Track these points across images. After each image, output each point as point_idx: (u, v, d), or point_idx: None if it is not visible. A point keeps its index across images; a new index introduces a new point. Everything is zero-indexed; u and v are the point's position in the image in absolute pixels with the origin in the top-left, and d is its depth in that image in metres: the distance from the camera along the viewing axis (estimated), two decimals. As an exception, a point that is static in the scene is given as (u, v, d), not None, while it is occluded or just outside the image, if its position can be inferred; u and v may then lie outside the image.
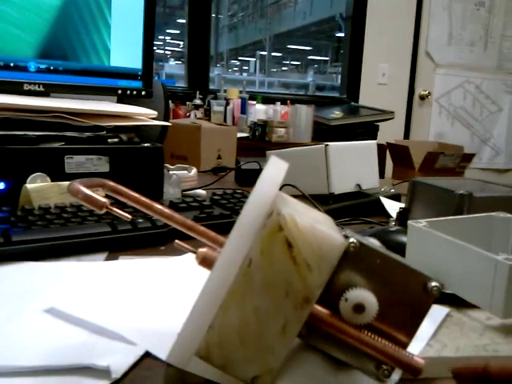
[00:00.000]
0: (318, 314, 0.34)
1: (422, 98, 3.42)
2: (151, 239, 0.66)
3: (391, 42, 3.27)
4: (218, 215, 0.74)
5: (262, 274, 0.33)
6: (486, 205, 0.64)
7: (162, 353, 0.38)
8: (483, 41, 3.51)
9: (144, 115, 0.90)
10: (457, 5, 3.39)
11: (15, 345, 0.39)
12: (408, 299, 0.35)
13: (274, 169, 0.35)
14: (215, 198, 0.84)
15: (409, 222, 0.55)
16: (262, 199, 0.32)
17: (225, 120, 2.58)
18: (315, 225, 0.34)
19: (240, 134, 2.31)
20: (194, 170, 1.03)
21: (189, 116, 2.52)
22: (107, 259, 0.61)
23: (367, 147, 0.98)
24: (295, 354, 0.37)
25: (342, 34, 3.53)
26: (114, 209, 0.36)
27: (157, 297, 0.50)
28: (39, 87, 0.91)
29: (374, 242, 0.38)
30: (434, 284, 0.35)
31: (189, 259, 0.60)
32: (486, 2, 3.47)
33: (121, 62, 1.01)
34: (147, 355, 0.39)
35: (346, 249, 0.34)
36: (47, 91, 0.93)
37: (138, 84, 1.02)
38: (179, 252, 0.61)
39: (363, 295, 0.34)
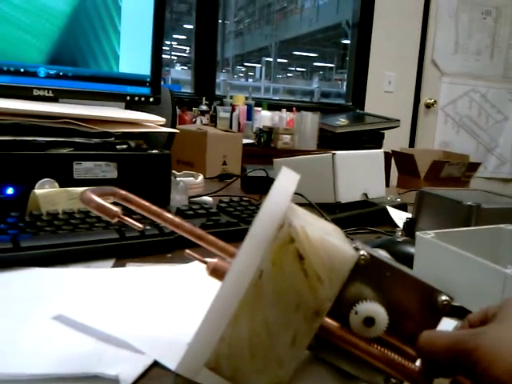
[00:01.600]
0: (328, 326, 0.34)
1: (428, 106, 3.42)
2: (158, 246, 0.66)
3: (397, 50, 3.28)
4: (225, 223, 0.74)
5: (272, 286, 0.33)
6: (493, 216, 0.64)
7: (171, 362, 0.38)
8: (489, 50, 3.51)
9: (152, 122, 0.90)
10: (463, 14, 3.39)
11: (22, 352, 0.39)
12: (418, 313, 0.35)
13: (286, 180, 0.35)
14: (222, 205, 0.84)
15: (417, 233, 0.55)
16: (274, 211, 0.32)
17: (230, 126, 2.59)
18: (326, 237, 0.34)
19: (245, 141, 2.31)
20: (201, 177, 1.03)
21: (195, 122, 2.52)
22: (115, 266, 0.61)
23: (374, 156, 0.98)
24: (305, 366, 0.37)
25: (347, 41, 3.53)
26: (126, 218, 0.36)
27: (164, 305, 0.50)
28: (48, 93, 0.92)
29: (383, 254, 0.38)
30: (444, 298, 0.35)
31: (196, 267, 0.60)
32: (493, 11, 3.47)
33: (129, 68, 1.02)
34: (155, 364, 0.39)
35: (356, 261, 0.34)
36: (56, 97, 0.94)
37: (146, 90, 1.03)
38: (186, 260, 0.61)
39: (373, 308, 0.34)
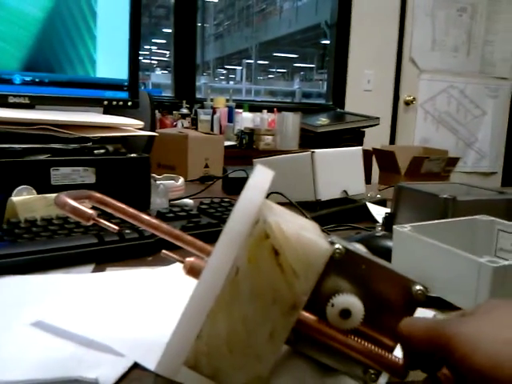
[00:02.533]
0: (305, 320, 0.35)
1: (407, 103, 3.46)
2: (138, 250, 0.66)
3: (376, 49, 3.31)
4: (206, 224, 0.75)
5: (249, 282, 0.33)
6: (469, 208, 0.65)
7: (151, 363, 0.38)
8: (466, 46, 3.57)
9: (130, 126, 0.90)
10: (439, 11, 3.44)
11: (2, 359, 0.39)
12: (393, 303, 0.36)
13: (260, 177, 0.35)
14: (202, 207, 0.84)
15: (394, 226, 0.56)
16: (248, 207, 0.32)
17: (212, 129, 2.59)
18: (301, 232, 0.34)
19: (227, 143, 2.31)
20: (181, 180, 1.03)
21: (176, 125, 2.52)
22: (94, 271, 0.61)
23: (353, 153, 0.99)
24: (283, 360, 0.37)
25: (327, 42, 3.56)
26: (101, 220, 0.36)
27: (145, 308, 0.50)
28: (25, 100, 0.91)
29: (359, 248, 0.39)
30: (418, 287, 0.36)
31: (176, 269, 0.60)
32: (468, 8, 3.52)
33: (107, 73, 1.01)
34: (136, 366, 0.39)
35: (331, 255, 0.35)
36: (33, 103, 0.93)
37: (124, 95, 1.02)
38: (167, 262, 0.61)
39: (349, 300, 0.34)
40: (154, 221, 0.41)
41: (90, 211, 0.36)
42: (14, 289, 0.54)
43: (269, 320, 0.33)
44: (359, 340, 0.35)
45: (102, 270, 0.61)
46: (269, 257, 0.33)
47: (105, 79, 1.01)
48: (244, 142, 2.52)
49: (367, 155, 2.52)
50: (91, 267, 0.61)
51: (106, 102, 1.00)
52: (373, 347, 0.35)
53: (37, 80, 0.93)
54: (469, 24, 3.55)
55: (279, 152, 1.02)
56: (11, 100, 0.90)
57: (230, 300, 0.33)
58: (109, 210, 0.40)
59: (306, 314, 0.35)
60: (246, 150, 2.47)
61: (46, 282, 0.56)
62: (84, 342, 0.42)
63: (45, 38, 0.94)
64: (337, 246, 0.35)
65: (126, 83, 1.03)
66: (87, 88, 0.99)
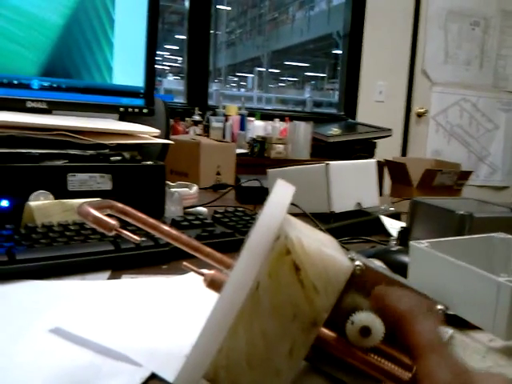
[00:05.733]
0: (325, 337, 0.35)
1: (419, 115, 3.45)
2: (154, 258, 0.66)
3: (388, 60, 3.31)
4: (220, 234, 0.75)
5: (269, 297, 0.33)
6: (485, 225, 0.65)
7: (168, 374, 0.38)
8: (479, 59, 3.56)
9: (147, 133, 0.90)
10: (453, 24, 3.44)
11: (19, 366, 0.39)
12: (413, 322, 0.35)
13: (281, 192, 0.36)
14: (217, 216, 0.84)
15: (411, 242, 0.56)
16: (270, 223, 0.32)
17: (224, 136, 2.60)
18: (322, 248, 0.34)
19: (239, 151, 2.32)
20: (195, 188, 1.04)
21: (188, 132, 2.53)
22: (110, 278, 0.61)
23: (367, 166, 0.99)
24: (302, 377, 0.37)
25: (339, 52, 3.57)
26: (123, 231, 0.37)
27: (161, 317, 0.50)
28: (42, 105, 0.92)
29: (378, 265, 0.39)
30: (439, 307, 0.35)
31: (192, 278, 0.60)
32: (481, 22, 3.52)
33: (123, 80, 1.02)
34: (153, 377, 0.39)
35: (352, 272, 0.35)
36: (50, 109, 0.94)
37: (140, 102, 1.03)
38: (181, 271, 0.61)
39: (369, 318, 0.34)
40: (174, 232, 0.41)
41: (113, 222, 0.36)
42: (31, 294, 0.54)
43: (288, 336, 0.33)
44: (378, 358, 0.35)
45: (118, 277, 0.61)
46: (289, 272, 0.33)
47: (121, 86, 1.02)
48: (256, 150, 2.52)
49: (379, 167, 2.51)
50: (107, 274, 0.62)
51: (122, 109, 1.01)
52: (392, 366, 0.35)
53: (54, 85, 0.95)
54: (482, 38, 3.54)
55: (291, 161, 1.02)
56: (29, 105, 0.91)
57: (251, 314, 0.33)
58: (129, 220, 0.40)
59: (326, 331, 0.35)
60: (258, 158, 2.47)
61: (61, 287, 0.57)
62: (102, 350, 0.42)
63: (63, 44, 0.95)
64: (357, 262, 0.35)
65: (142, 90, 1.04)
66: (104, 94, 1.00)
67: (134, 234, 0.40)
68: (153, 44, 1.05)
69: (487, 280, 0.46)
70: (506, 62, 3.62)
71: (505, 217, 0.69)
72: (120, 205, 0.40)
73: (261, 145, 2.52)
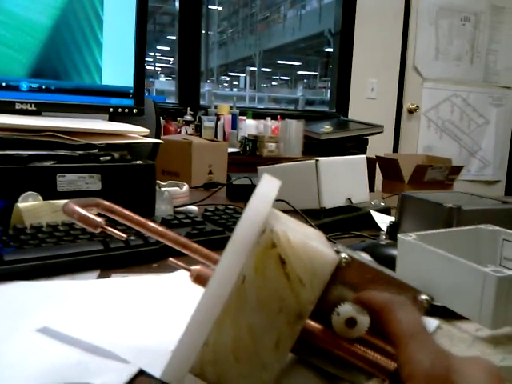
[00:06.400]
0: (311, 328, 0.35)
1: (411, 111, 3.46)
2: (144, 256, 0.66)
3: (379, 57, 3.32)
4: (211, 231, 0.75)
5: (255, 291, 0.33)
6: (474, 217, 0.65)
7: (156, 370, 0.38)
8: (469, 55, 3.58)
9: (136, 133, 0.90)
10: (443, 20, 3.45)
11: (8, 366, 0.39)
12: (399, 313, 0.36)
13: (267, 186, 0.36)
14: (207, 214, 0.84)
15: (398, 235, 0.56)
16: (255, 217, 0.33)
17: (216, 136, 2.60)
18: (307, 241, 0.34)
19: (231, 150, 2.32)
20: (186, 187, 1.04)
21: (180, 132, 2.53)
22: (100, 277, 0.61)
23: (357, 162, 0.99)
24: (289, 369, 0.37)
25: (330, 50, 3.57)
26: (109, 228, 0.37)
27: (150, 314, 0.50)
28: (31, 106, 0.92)
29: (364, 257, 0.39)
30: (423, 297, 0.36)
31: (181, 276, 0.60)
32: (472, 18, 3.54)
33: (112, 80, 1.02)
34: (141, 373, 0.39)
35: (337, 264, 0.35)
36: (39, 110, 0.93)
37: (129, 102, 1.03)
38: (172, 269, 0.61)
39: (355, 309, 0.35)
40: (161, 229, 0.41)
41: (99, 219, 0.36)
42: (20, 294, 0.54)
43: (275, 328, 0.33)
44: (364, 349, 0.35)
45: (108, 276, 0.61)
46: (275, 266, 0.33)
47: (110, 86, 1.02)
48: (248, 148, 2.52)
49: (370, 163, 2.52)
50: (96, 273, 0.62)
51: (111, 109, 1.01)
52: (378, 356, 0.35)
53: (43, 87, 0.94)
54: (472, 33, 3.56)
55: (283, 159, 1.02)
56: (18, 106, 0.90)
57: (237, 308, 0.33)
58: (116, 218, 0.40)
59: (312, 323, 0.35)
60: (250, 157, 2.47)
61: (51, 287, 0.57)
62: (89, 348, 0.42)
63: (52, 45, 0.95)
64: (343, 255, 0.35)
65: (131, 91, 1.04)
66: (93, 95, 1.00)
67: (123, 232, 0.41)
68: (142, 44, 1.05)
69: (473, 271, 0.47)
70: (496, 57, 3.64)
71: (493, 209, 0.70)
72: (106, 203, 0.40)
73: (253, 143, 2.52)
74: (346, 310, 0.35)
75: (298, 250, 0.34)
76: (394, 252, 0.59)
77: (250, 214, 0.33)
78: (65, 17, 0.95)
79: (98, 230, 0.36)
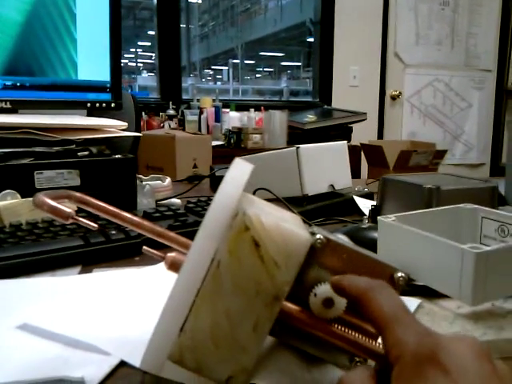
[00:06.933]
0: (289, 310, 0.35)
1: (394, 98, 3.48)
2: (125, 250, 0.66)
3: (360, 45, 3.32)
4: (193, 222, 0.74)
5: (231, 275, 0.33)
6: (453, 197, 0.66)
7: (137, 361, 0.38)
8: (450, 39, 3.59)
9: (113, 127, 0.89)
10: (422, 5, 3.46)
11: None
12: (376, 291, 0.36)
13: (238, 170, 0.35)
14: (189, 205, 0.84)
15: (378, 217, 0.56)
16: (226, 200, 0.32)
17: (199, 129, 2.59)
18: (281, 223, 0.34)
19: (215, 142, 2.31)
20: (168, 180, 1.03)
21: (163, 127, 2.51)
22: (81, 272, 0.60)
23: (338, 148, 0.99)
24: (269, 351, 0.37)
25: (312, 39, 3.57)
26: (80, 218, 0.36)
27: (131, 307, 0.50)
28: (6, 104, 0.90)
29: (341, 238, 0.39)
30: (400, 274, 0.36)
31: (163, 268, 0.60)
32: (451, 2, 3.55)
33: (89, 75, 1.01)
34: (122, 364, 0.39)
35: (312, 245, 0.35)
36: (15, 108, 0.92)
37: (107, 96, 1.02)
38: (154, 262, 0.61)
39: (331, 289, 0.35)
40: (136, 218, 0.40)
41: (69, 210, 0.35)
42: (0, 293, 0.53)
43: (252, 312, 0.33)
44: (343, 328, 0.35)
45: (89, 271, 0.60)
46: (249, 249, 0.33)
47: (87, 81, 1.00)
48: (232, 141, 2.52)
49: (355, 151, 2.53)
50: (78, 269, 0.61)
51: (89, 104, 1.00)
52: (357, 335, 0.35)
53: (18, 84, 0.93)
54: (451, 17, 3.58)
55: (268, 150, 1.02)
56: (-7, 105, 0.89)
57: (213, 293, 0.33)
58: (90, 209, 0.40)
59: (290, 305, 0.35)
60: (235, 149, 2.47)
61: (32, 285, 0.56)
62: (70, 342, 0.41)
63: (24, 41, 0.93)
64: (318, 236, 0.35)
65: (108, 85, 1.02)
66: (69, 91, 0.99)
67: (99, 225, 0.40)
68: (117, 37, 1.03)
69: (452, 248, 0.47)
70: (476, 40, 3.66)
71: (472, 188, 0.70)
72: (78, 194, 0.39)
73: (237, 136, 2.51)
74: (323, 290, 0.35)
75: (272, 233, 0.33)
76: (375, 235, 0.60)
77: (221, 197, 0.33)
78: (36, 12, 0.93)
79: (70, 221, 0.36)
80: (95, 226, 0.38)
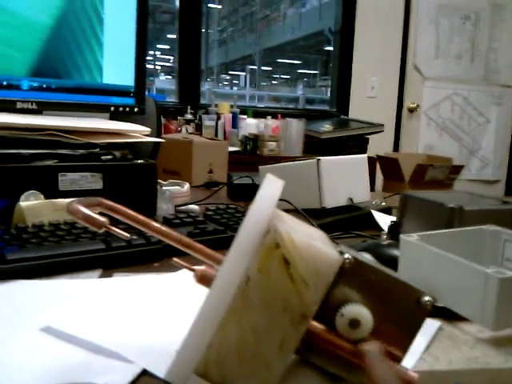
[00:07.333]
0: (315, 329, 0.35)
1: (411, 110, 3.46)
2: (145, 256, 0.66)
3: (379, 56, 3.32)
4: (212, 231, 0.75)
5: (259, 292, 0.33)
6: (475, 218, 0.65)
7: (160, 370, 0.38)
8: (470, 53, 3.58)
9: (137, 132, 0.90)
10: (443, 18, 3.45)
11: (10, 366, 0.39)
12: (402, 314, 0.36)
13: (271, 186, 0.36)
14: (208, 213, 0.84)
15: (401, 235, 0.56)
16: (259, 217, 0.33)
17: (216, 134, 2.60)
18: (311, 242, 0.34)
19: (231, 149, 2.32)
20: (187, 186, 1.04)
21: (180, 131, 2.53)
22: (101, 276, 0.61)
23: (358, 161, 0.99)
24: (292, 369, 0.37)
25: (330, 48, 3.57)
26: (113, 228, 0.37)
27: (152, 314, 0.50)
28: (32, 105, 0.92)
29: (368, 258, 0.39)
30: (427, 298, 0.36)
31: (183, 276, 0.60)
32: (472, 16, 3.53)
33: (113, 79, 1.02)
34: (145, 373, 0.39)
35: (341, 265, 0.35)
36: (40, 109, 0.93)
37: (130, 101, 1.03)
38: (173, 268, 0.61)
39: (358, 310, 0.35)
40: (164, 228, 0.41)
41: (103, 219, 0.36)
42: (22, 293, 0.54)
43: (279, 329, 0.33)
44: (368, 350, 0.35)
45: (109, 275, 0.61)
46: (279, 266, 0.33)
47: (111, 85, 1.02)
48: (248, 147, 2.52)
49: (371, 162, 2.51)
50: (98, 273, 0.61)
51: (112, 108, 1.01)
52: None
53: (44, 86, 0.94)
54: (472, 31, 3.56)
55: (283, 158, 1.02)
56: (19, 106, 0.90)
57: (241, 309, 0.33)
58: (119, 217, 0.40)
59: (316, 324, 0.35)
60: (250, 156, 2.47)
61: (53, 287, 0.57)
62: (93, 348, 0.42)
63: (52, 44, 0.95)
64: (346, 255, 0.35)
65: (132, 89, 1.04)
66: (94, 94, 1.00)
67: (123, 230, 0.41)
68: (143, 42, 1.05)
69: (475, 271, 0.47)
70: (496, 55, 3.63)
71: (495, 209, 0.70)
72: (109, 202, 0.40)
73: (253, 142, 2.52)
74: (350, 310, 0.35)
75: (302, 251, 0.34)
76: (395, 252, 0.59)
77: (254, 214, 0.33)
78: (65, 16, 0.95)
79: (102, 230, 0.36)
80: (127, 235, 0.38)
